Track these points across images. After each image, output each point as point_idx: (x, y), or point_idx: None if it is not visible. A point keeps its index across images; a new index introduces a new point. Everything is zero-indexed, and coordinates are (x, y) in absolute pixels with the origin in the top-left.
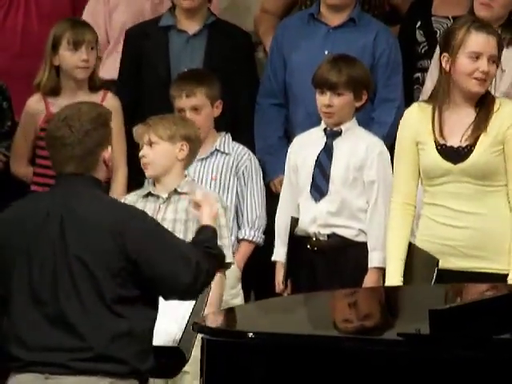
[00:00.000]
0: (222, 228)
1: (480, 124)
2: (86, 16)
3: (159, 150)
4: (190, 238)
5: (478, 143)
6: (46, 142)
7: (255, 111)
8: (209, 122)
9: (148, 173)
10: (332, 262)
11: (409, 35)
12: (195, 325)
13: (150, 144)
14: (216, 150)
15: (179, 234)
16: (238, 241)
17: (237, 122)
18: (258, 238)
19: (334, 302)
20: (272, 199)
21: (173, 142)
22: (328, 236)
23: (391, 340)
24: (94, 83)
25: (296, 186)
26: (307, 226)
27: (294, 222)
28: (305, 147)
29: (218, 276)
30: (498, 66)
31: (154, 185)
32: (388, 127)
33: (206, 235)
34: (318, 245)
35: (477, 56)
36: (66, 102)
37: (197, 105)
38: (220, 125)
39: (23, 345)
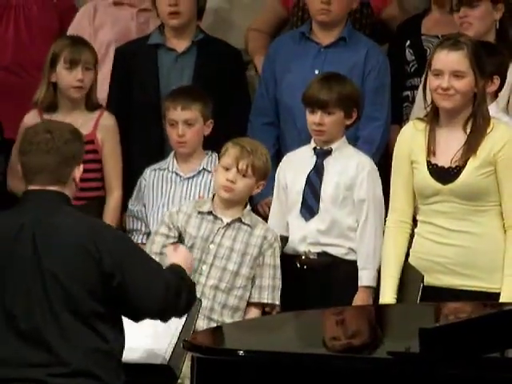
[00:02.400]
0: (277, 269)
1: (470, 145)
2: (71, 33)
3: (247, 184)
4: (243, 272)
5: (467, 165)
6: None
7: (247, 130)
8: (198, 138)
9: (225, 196)
10: (322, 280)
11: (398, 54)
12: (185, 343)
13: (243, 173)
14: (203, 168)
15: (234, 265)
16: None
17: (228, 140)
18: None
19: (323, 321)
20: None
21: (258, 178)
22: (318, 254)
23: (381, 358)
24: (91, 102)
25: (285, 204)
26: (297, 244)
27: (283, 240)
28: (294, 166)
29: None
30: (476, 80)
31: (212, 202)
32: (375, 147)
33: (180, 269)
34: (308, 263)
35: (439, 73)
36: (62, 119)
37: (190, 119)
38: (211, 143)
39: None
